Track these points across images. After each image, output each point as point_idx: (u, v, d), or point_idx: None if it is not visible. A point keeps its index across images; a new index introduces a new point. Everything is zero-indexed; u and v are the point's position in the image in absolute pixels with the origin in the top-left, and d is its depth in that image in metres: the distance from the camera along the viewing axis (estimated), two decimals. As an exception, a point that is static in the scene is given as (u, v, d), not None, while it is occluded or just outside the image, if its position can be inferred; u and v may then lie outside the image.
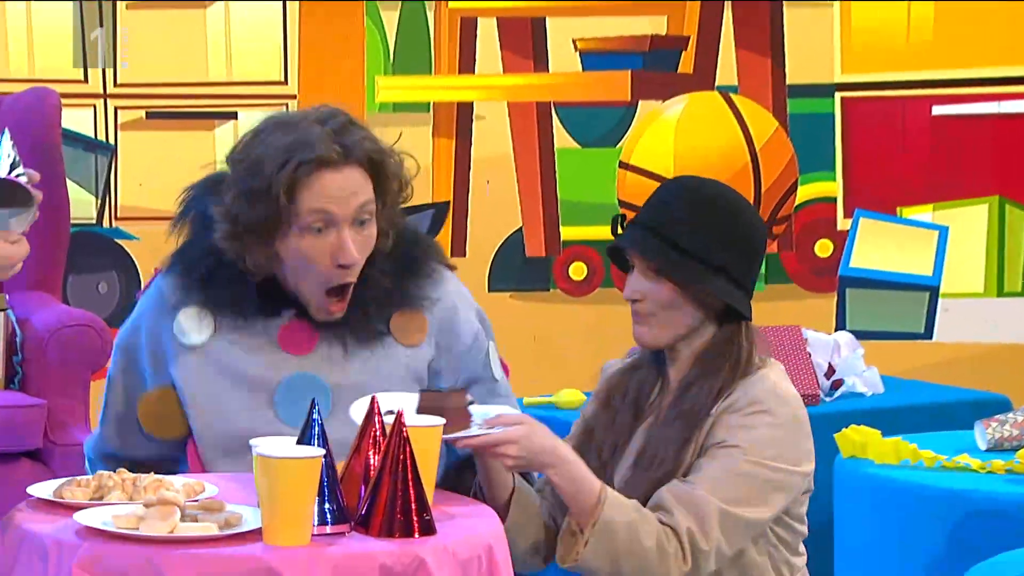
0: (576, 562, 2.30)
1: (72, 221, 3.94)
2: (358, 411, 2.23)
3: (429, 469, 2.13)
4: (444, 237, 4.50)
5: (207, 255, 2.41)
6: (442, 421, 2.18)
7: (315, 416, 2.12)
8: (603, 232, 4.55)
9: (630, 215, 2.42)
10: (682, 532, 2.27)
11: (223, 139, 4.32)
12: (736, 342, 2.37)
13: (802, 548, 2.41)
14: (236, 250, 2.37)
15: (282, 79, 4.39)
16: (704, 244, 2.36)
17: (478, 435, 2.24)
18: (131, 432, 2.48)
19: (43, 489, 2.17)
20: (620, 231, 2.40)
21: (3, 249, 2.23)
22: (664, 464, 2.34)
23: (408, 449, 2.06)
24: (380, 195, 2.38)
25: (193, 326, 2.41)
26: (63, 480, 2.19)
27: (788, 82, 4.60)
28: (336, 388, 2.40)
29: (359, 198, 2.35)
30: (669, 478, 2.32)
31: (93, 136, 4.32)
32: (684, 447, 2.33)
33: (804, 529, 2.41)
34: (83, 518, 2.04)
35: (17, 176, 2.22)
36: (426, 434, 2.14)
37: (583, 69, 4.53)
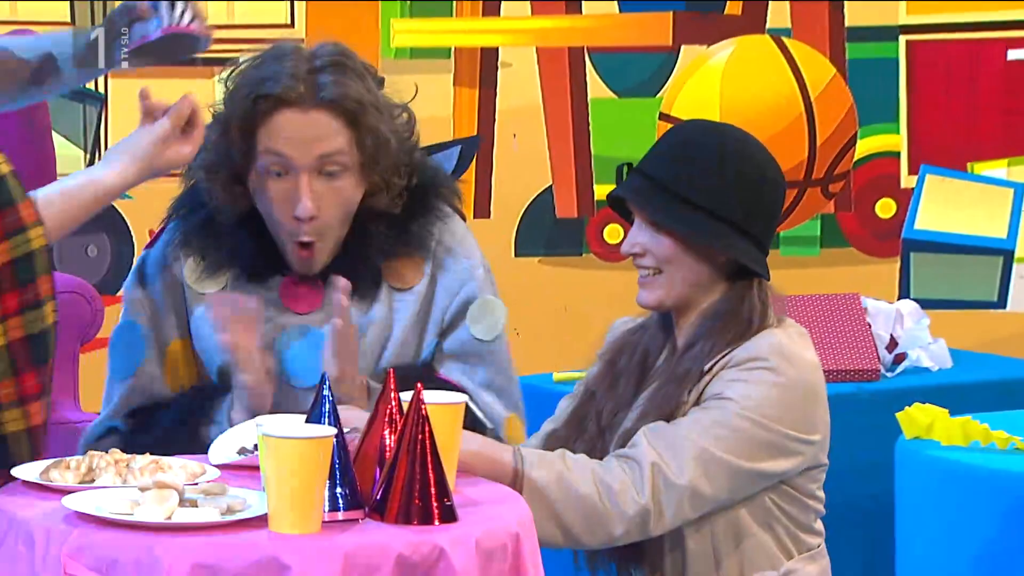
0: None
1: (58, 177, 3.95)
2: (217, 452, 2.26)
3: (451, 450, 2.14)
4: (466, 196, 4.50)
5: (204, 204, 2.46)
6: (464, 398, 2.19)
7: (325, 392, 2.13)
8: (641, 190, 4.54)
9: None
10: (644, 464, 2.26)
11: (222, 88, 4.32)
12: (747, 301, 2.36)
13: (818, 526, 2.40)
14: (209, 186, 2.41)
15: (288, 22, 4.39)
16: (710, 193, 2.34)
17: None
18: (152, 391, 2.49)
19: (29, 471, 2.18)
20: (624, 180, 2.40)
21: (176, 153, 2.32)
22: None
23: (427, 428, 2.07)
24: (360, 147, 2.38)
25: (203, 276, 2.46)
26: (50, 461, 2.21)
27: (847, 24, 4.57)
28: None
29: (323, 145, 2.35)
30: None
31: (81, 84, 4.33)
32: (677, 408, 2.33)
33: (819, 506, 2.40)
34: (72, 503, 2.06)
35: (183, 22, 2.29)
36: (447, 412, 2.15)
37: (620, 11, 4.51)
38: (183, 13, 2.37)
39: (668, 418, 2.33)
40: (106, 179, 2.36)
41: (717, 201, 2.34)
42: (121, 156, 2.36)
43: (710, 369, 2.34)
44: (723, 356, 2.34)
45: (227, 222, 2.43)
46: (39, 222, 2.23)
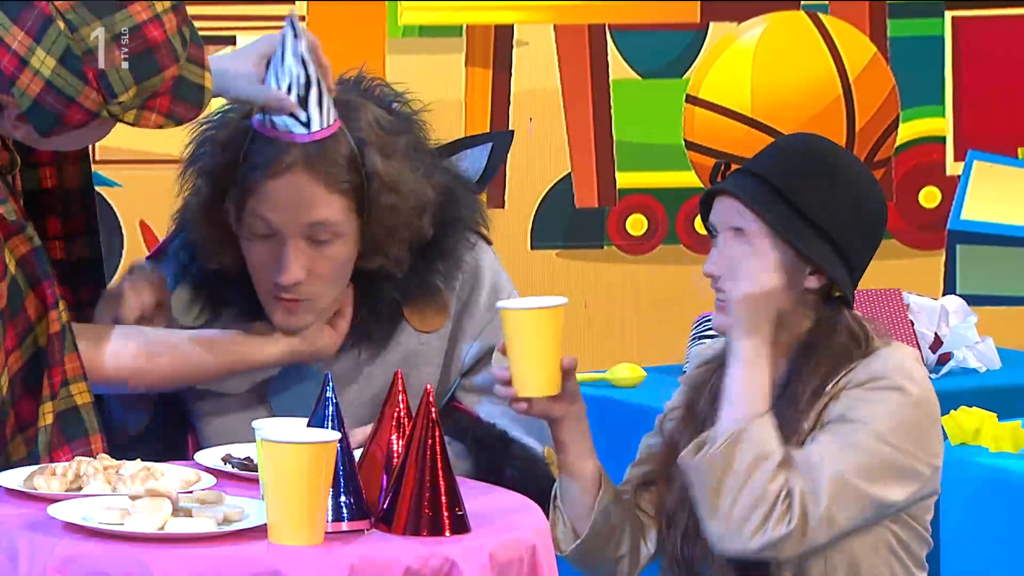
0: (695, 462, 2.29)
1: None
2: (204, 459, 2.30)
3: (554, 353, 2.23)
4: (479, 184, 4.51)
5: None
6: (560, 300, 2.27)
7: (328, 395, 2.13)
8: (666, 179, 4.55)
9: (735, 165, 2.41)
10: (794, 490, 2.29)
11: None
12: (840, 329, 2.36)
13: (926, 563, 2.41)
14: (198, 241, 2.46)
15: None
16: (826, 211, 2.34)
17: None
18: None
19: (12, 478, 2.19)
20: (722, 180, 2.39)
21: (324, 338, 2.43)
22: None
23: (437, 433, 2.08)
24: (357, 215, 2.40)
25: (186, 308, 2.49)
26: (35, 468, 2.21)
27: (888, -1, 4.57)
28: (337, 378, 2.43)
29: (313, 213, 2.38)
30: None
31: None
32: (787, 430, 2.33)
33: (928, 538, 2.41)
34: (59, 512, 2.06)
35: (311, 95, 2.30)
36: (549, 315, 2.23)
37: (644, -15, 4.52)
38: (329, 111, 2.40)
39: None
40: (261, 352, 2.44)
41: (830, 218, 2.35)
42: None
43: (827, 392, 2.34)
44: (840, 379, 2.34)
45: (214, 267, 2.47)
46: None
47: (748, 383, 2.31)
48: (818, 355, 2.36)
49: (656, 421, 2.50)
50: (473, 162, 2.62)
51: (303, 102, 2.37)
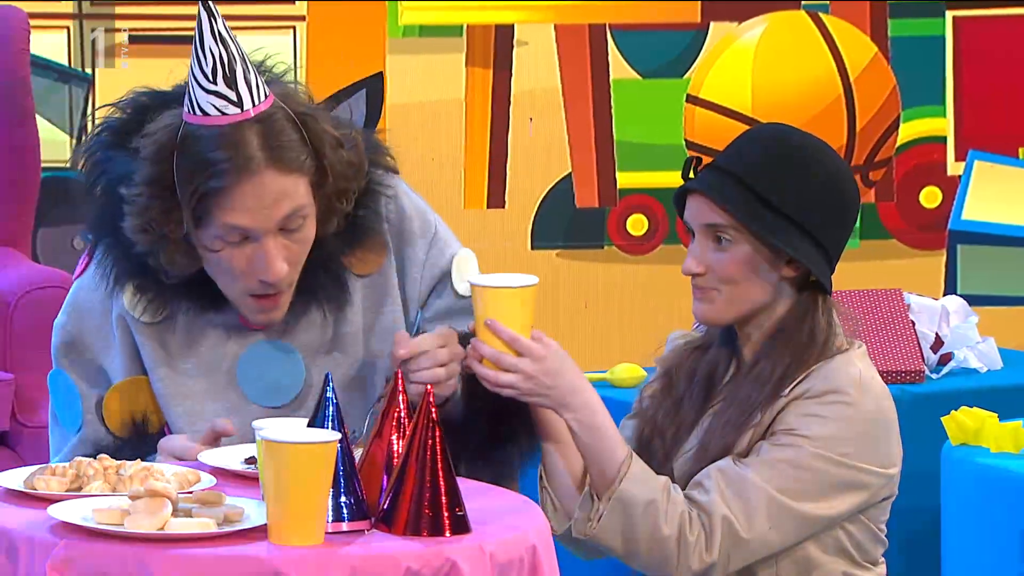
0: (588, 534, 2.34)
1: (43, 165, 3.96)
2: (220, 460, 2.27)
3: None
4: (479, 184, 4.51)
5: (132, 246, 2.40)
6: (529, 280, 2.29)
7: (329, 395, 2.13)
8: (666, 179, 4.55)
9: (707, 159, 2.42)
10: (716, 518, 2.31)
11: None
12: (809, 319, 2.38)
13: (881, 559, 2.42)
14: (151, 251, 2.37)
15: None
16: (794, 201, 2.36)
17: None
18: (98, 440, 2.47)
19: (12, 478, 2.19)
20: (693, 176, 2.40)
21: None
22: (720, 451, 2.36)
23: (438, 433, 2.08)
24: (317, 192, 2.36)
25: (142, 305, 2.43)
26: (35, 468, 2.22)
27: (889, -1, 4.57)
28: (305, 349, 2.43)
29: (284, 206, 2.34)
30: (725, 456, 2.35)
31: (67, 64, 4.34)
32: (742, 429, 2.35)
33: (883, 537, 2.42)
34: (59, 512, 2.06)
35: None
36: (520, 295, 2.23)
37: (644, -15, 4.51)
38: (259, 86, 2.34)
39: (730, 446, 2.34)
40: None
41: (798, 207, 2.36)
42: None
43: (784, 395, 2.35)
44: (798, 384, 2.36)
45: (173, 280, 2.40)
46: None
47: (594, 449, 2.33)
48: (784, 342, 2.38)
49: (633, 404, 2.51)
50: (352, 113, 2.57)
51: (231, 81, 2.31)
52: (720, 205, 2.37)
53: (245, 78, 2.32)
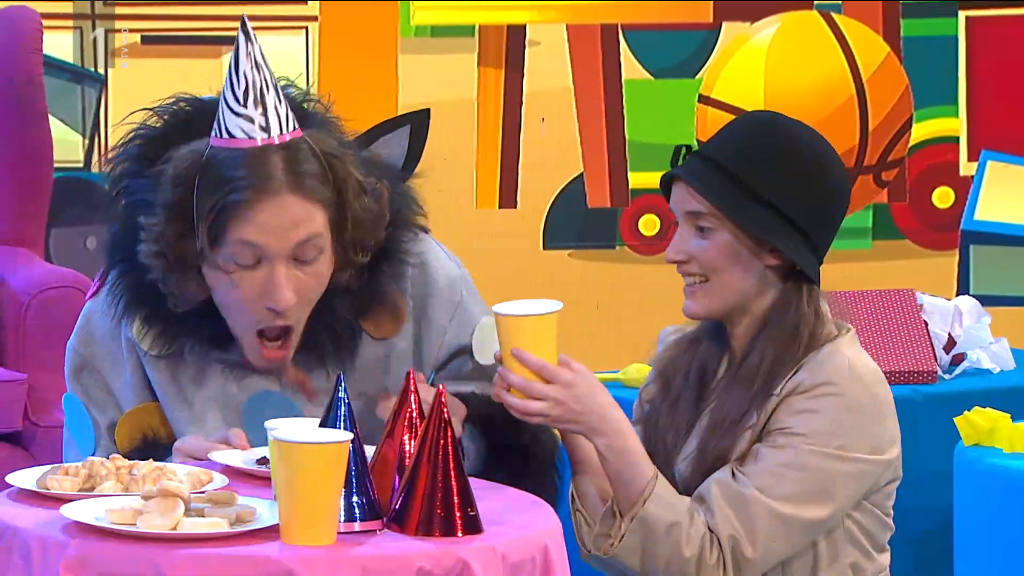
0: (607, 552, 2.33)
1: (56, 165, 3.97)
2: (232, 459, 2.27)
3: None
4: (491, 184, 4.51)
5: (142, 278, 2.39)
6: (552, 307, 2.27)
7: (341, 395, 2.14)
8: (680, 179, 4.54)
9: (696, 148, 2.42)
10: (724, 540, 2.31)
11: (231, 69, 4.34)
12: (793, 308, 2.36)
13: (887, 545, 2.41)
14: (163, 278, 2.37)
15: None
16: (777, 188, 2.34)
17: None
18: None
19: (25, 478, 2.20)
20: (680, 164, 2.39)
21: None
22: (718, 455, 2.36)
23: (450, 434, 2.08)
24: (336, 229, 2.35)
25: (150, 338, 2.42)
26: (48, 467, 2.22)
27: (901, -1, 4.57)
28: (307, 408, 2.42)
29: (301, 232, 2.32)
30: (723, 462, 2.35)
31: (80, 65, 4.35)
32: (737, 431, 2.34)
33: (890, 522, 2.41)
34: (71, 512, 2.07)
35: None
36: (544, 323, 2.22)
37: (656, -15, 4.51)
38: (288, 118, 2.35)
39: (728, 450, 2.34)
40: None
41: (781, 195, 2.34)
42: None
43: (777, 393, 2.34)
44: (788, 379, 2.35)
45: (183, 308, 2.39)
46: None
47: (623, 471, 2.32)
48: (770, 333, 2.37)
49: (633, 409, 2.51)
50: (392, 148, 2.56)
51: (262, 106, 2.31)
52: (699, 192, 2.36)
53: (276, 106, 2.33)
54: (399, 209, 2.43)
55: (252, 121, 2.32)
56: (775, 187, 2.34)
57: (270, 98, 2.32)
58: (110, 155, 2.45)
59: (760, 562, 2.32)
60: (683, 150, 2.39)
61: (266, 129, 2.32)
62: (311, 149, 2.34)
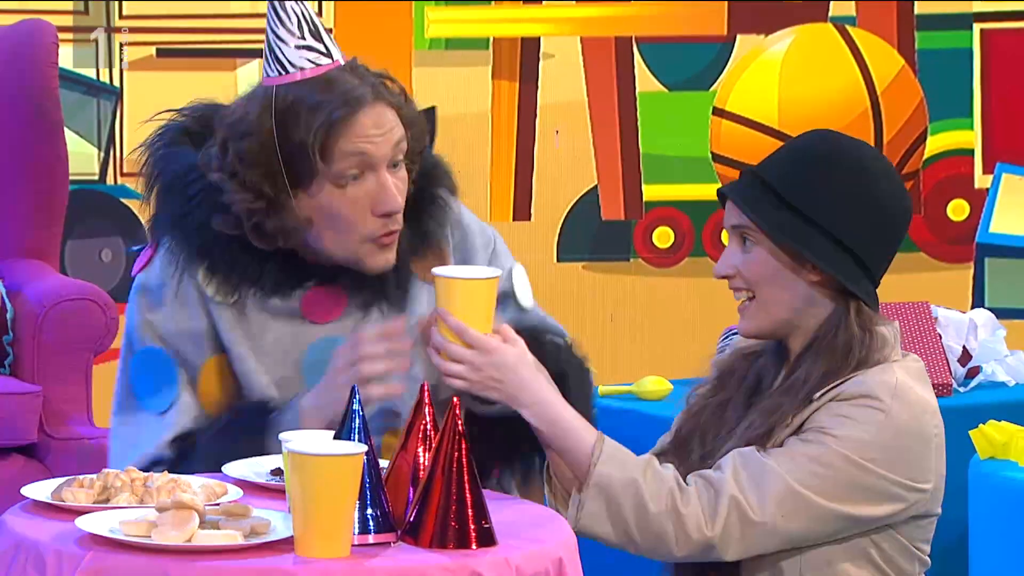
0: (577, 529, 2.32)
1: (71, 177, 3.97)
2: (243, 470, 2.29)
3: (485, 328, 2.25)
4: (505, 197, 4.51)
5: (203, 228, 2.48)
6: (484, 273, 2.32)
7: (355, 407, 2.14)
8: (692, 191, 4.54)
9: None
10: (723, 496, 2.28)
11: (247, 80, 4.35)
12: (842, 328, 2.35)
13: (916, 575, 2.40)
14: (258, 219, 2.44)
15: (316, 10, 4.40)
16: (820, 204, 2.34)
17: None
18: (191, 420, 2.49)
19: (40, 490, 2.20)
20: None
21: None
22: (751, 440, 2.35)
23: (464, 446, 2.08)
24: (408, 134, 2.49)
25: (214, 286, 2.49)
26: (63, 479, 2.23)
27: (917, 11, 4.56)
28: None
29: (394, 134, 2.46)
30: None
31: (95, 78, 4.36)
32: (769, 437, 2.33)
33: (925, 558, 2.39)
34: (86, 524, 2.07)
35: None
36: (481, 287, 2.26)
37: (671, -3, 4.51)
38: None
39: (759, 443, 2.33)
40: None
41: (826, 212, 2.34)
42: None
43: (819, 397, 2.33)
44: (834, 387, 2.33)
45: (286, 245, 2.48)
46: None
47: (560, 440, 2.32)
48: (819, 351, 2.36)
49: (686, 398, 2.51)
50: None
51: (317, 35, 2.44)
52: (739, 206, 2.37)
53: (326, 34, 2.46)
54: (435, 163, 2.57)
55: (314, 50, 2.44)
56: (817, 202, 2.34)
57: (320, 25, 2.46)
58: (143, 145, 2.54)
59: (766, 531, 2.28)
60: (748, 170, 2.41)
61: (328, 55, 2.45)
62: (364, 66, 2.48)
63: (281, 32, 2.43)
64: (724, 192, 2.40)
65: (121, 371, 2.56)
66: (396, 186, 2.46)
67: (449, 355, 2.33)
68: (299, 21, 2.43)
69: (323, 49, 2.44)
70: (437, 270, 2.38)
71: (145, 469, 2.40)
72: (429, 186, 2.55)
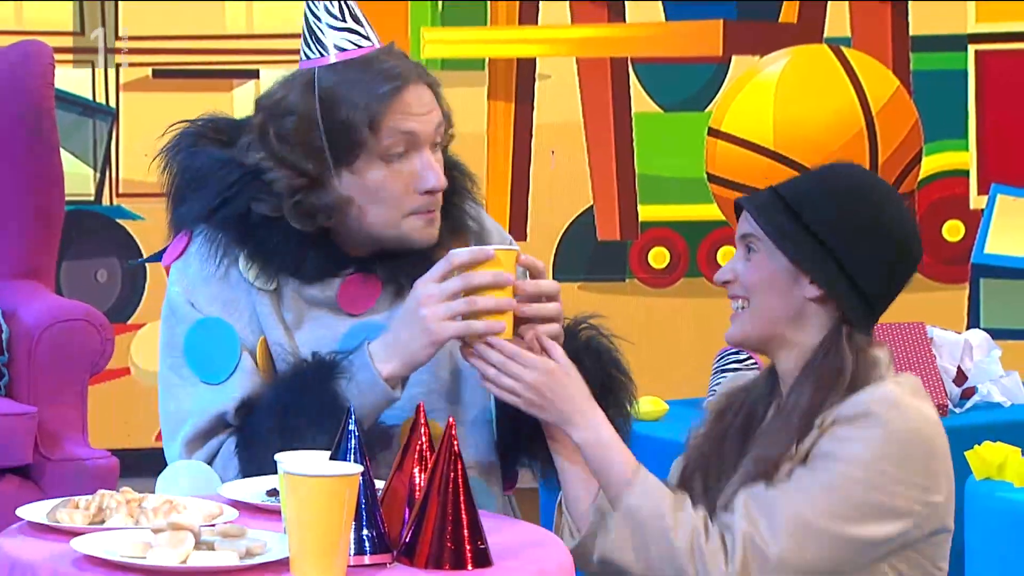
0: (600, 554, 2.33)
1: (67, 198, 3.98)
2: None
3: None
4: (501, 216, 4.52)
5: (243, 217, 2.51)
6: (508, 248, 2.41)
7: (351, 428, 2.14)
8: (688, 212, 4.55)
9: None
10: (736, 534, 2.29)
11: (242, 102, 4.35)
12: (835, 352, 2.36)
13: None
14: (299, 197, 2.48)
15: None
16: (828, 223, 2.37)
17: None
18: (252, 388, 2.49)
19: (35, 511, 2.20)
20: None
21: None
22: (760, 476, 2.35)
23: (460, 466, 2.08)
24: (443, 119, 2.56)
25: (254, 271, 2.52)
26: (58, 501, 2.22)
27: (911, 33, 4.58)
28: None
29: (436, 114, 2.52)
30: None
31: (91, 99, 4.37)
32: (774, 463, 2.33)
33: (939, 575, 2.39)
34: (82, 545, 2.07)
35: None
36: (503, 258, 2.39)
37: (666, 19, 4.52)
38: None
39: (766, 478, 2.34)
40: None
41: (832, 232, 2.37)
42: None
43: (818, 425, 2.34)
44: (831, 411, 2.34)
45: (305, 231, 2.51)
46: None
47: (602, 463, 2.35)
48: (810, 374, 2.37)
49: (686, 442, 2.51)
50: None
51: (357, 19, 2.51)
52: (750, 213, 2.40)
53: (364, 18, 2.52)
54: (454, 163, 2.61)
55: (355, 32, 2.50)
56: (825, 221, 2.37)
57: (360, 14, 2.52)
58: (162, 148, 2.56)
59: (783, 564, 2.29)
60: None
61: (367, 38, 2.51)
62: (401, 50, 2.54)
63: (320, 15, 2.49)
64: (740, 202, 2.42)
65: (168, 346, 2.53)
66: (438, 165, 2.51)
67: (506, 371, 2.37)
68: (340, 5, 2.50)
69: (364, 32, 2.50)
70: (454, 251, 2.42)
71: (211, 430, 2.44)
72: (453, 178, 2.59)
